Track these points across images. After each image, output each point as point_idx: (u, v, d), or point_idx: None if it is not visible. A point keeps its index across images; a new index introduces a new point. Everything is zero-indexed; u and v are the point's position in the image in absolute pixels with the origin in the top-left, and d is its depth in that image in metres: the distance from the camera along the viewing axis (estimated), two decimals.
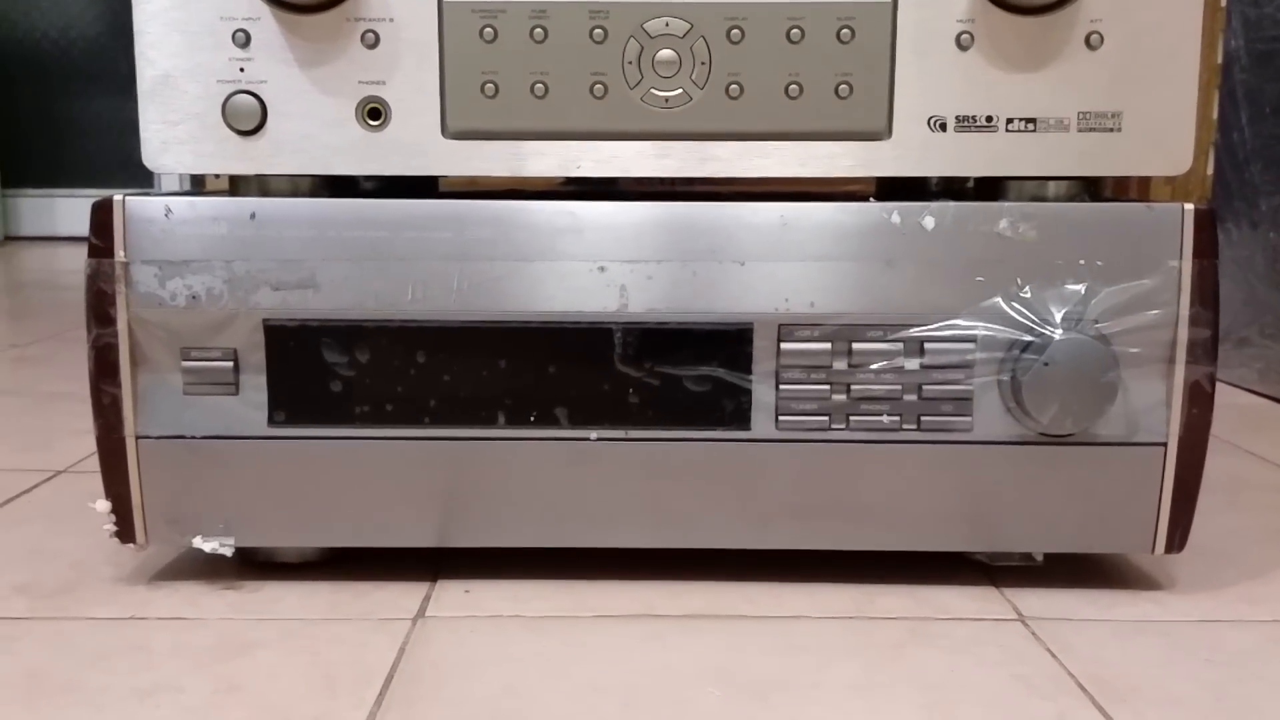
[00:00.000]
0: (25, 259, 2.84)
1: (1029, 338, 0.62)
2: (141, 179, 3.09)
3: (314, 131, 0.63)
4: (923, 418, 0.63)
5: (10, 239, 3.31)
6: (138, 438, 0.63)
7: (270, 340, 0.63)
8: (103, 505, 0.63)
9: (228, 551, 0.64)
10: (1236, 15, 1.33)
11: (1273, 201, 1.27)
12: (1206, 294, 0.62)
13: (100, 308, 0.62)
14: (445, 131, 0.63)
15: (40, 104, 3.31)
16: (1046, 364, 0.61)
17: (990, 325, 0.62)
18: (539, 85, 0.62)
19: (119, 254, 0.62)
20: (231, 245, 0.62)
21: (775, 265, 0.63)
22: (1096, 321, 0.62)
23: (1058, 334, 0.61)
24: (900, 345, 0.63)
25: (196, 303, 0.62)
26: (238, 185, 0.65)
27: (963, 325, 0.63)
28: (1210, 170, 1.38)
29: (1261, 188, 1.29)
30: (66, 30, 3.25)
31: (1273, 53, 1.27)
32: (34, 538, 0.74)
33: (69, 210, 3.29)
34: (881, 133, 0.63)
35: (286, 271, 0.62)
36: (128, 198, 0.62)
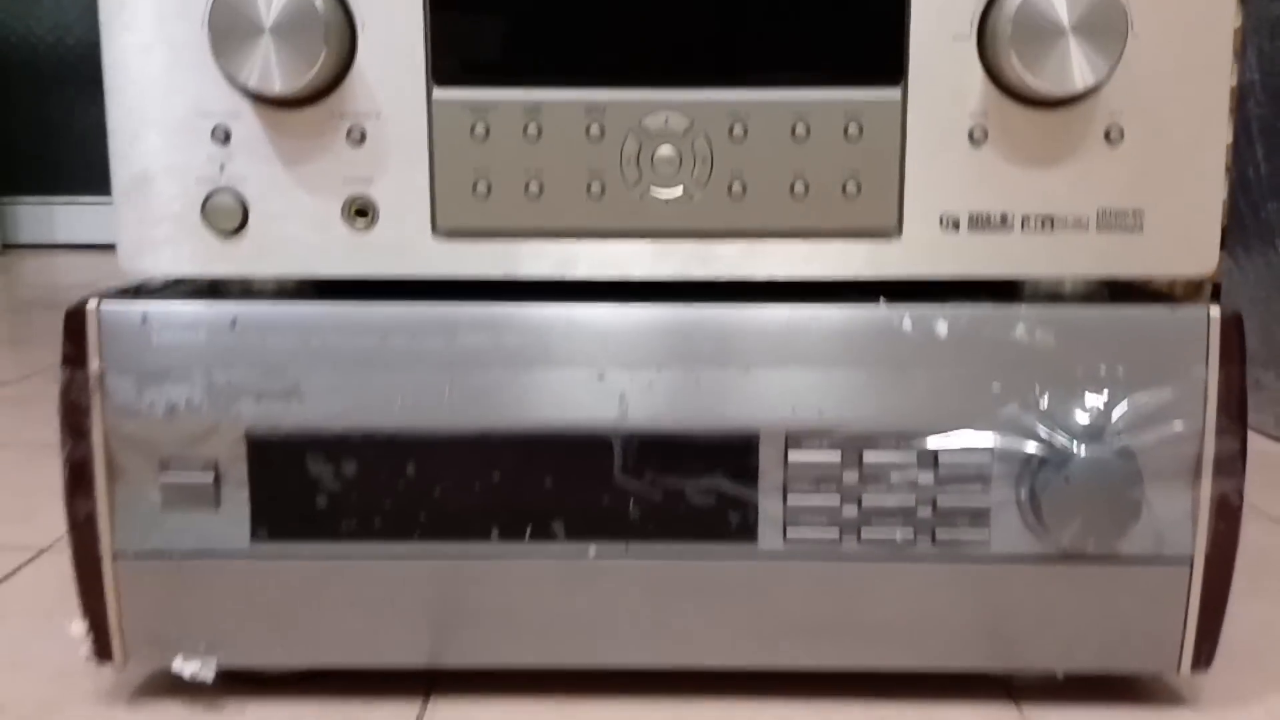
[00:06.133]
0: (24, 270, 2.81)
1: (1048, 451, 0.59)
2: None
3: (298, 232, 0.60)
4: (937, 531, 0.60)
5: (9, 247, 3.29)
6: (115, 555, 0.61)
7: (252, 453, 0.60)
8: (78, 629, 0.61)
9: (208, 676, 0.61)
10: (1252, 47, 1.30)
11: None
12: (1234, 403, 0.59)
13: (74, 420, 0.59)
14: (436, 231, 0.60)
15: (37, 109, 3.28)
16: (1067, 480, 0.58)
17: (1008, 436, 0.60)
18: (533, 184, 0.59)
19: (93, 364, 0.59)
20: (211, 354, 0.59)
21: (781, 372, 0.60)
22: (1119, 434, 0.59)
23: (1078, 448, 0.58)
24: (913, 456, 0.60)
25: (175, 414, 0.60)
26: (218, 284, 0.63)
27: (979, 436, 0.60)
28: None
29: (1279, 226, 1.26)
30: (63, 34, 3.22)
31: None
32: (14, 641, 0.71)
33: (68, 218, 3.26)
34: (891, 231, 0.60)
35: (269, 381, 0.59)
36: (102, 304, 0.59)
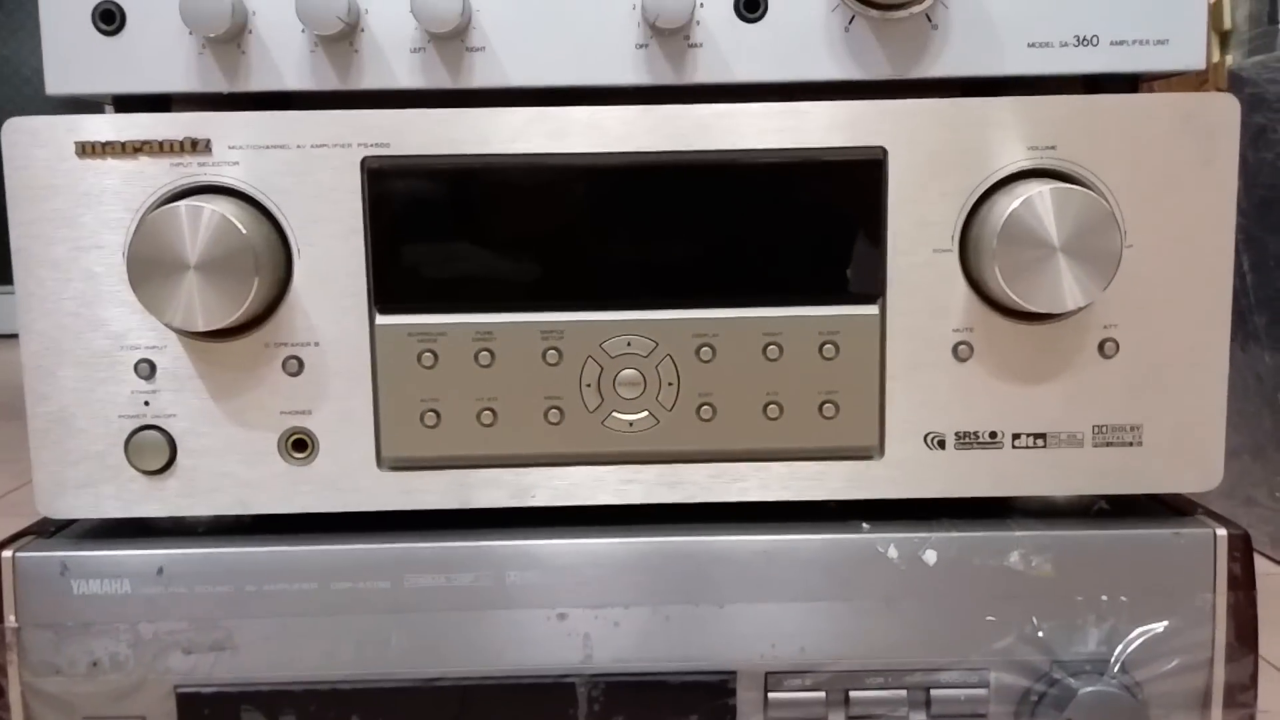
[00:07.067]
0: None
1: (1048, 686, 0.55)
2: None
3: (231, 468, 0.55)
4: None
5: None
6: None
7: (183, 709, 0.55)
8: None
9: None
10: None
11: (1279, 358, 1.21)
12: (1244, 629, 0.55)
13: None
14: (380, 463, 0.56)
15: None
16: (1070, 719, 0.54)
17: (1004, 671, 0.55)
18: (486, 413, 0.55)
19: (9, 619, 0.54)
20: (136, 605, 0.54)
21: (758, 606, 0.55)
22: (1122, 669, 0.55)
23: (1079, 686, 0.54)
24: (904, 693, 0.55)
25: (98, 669, 0.55)
26: (146, 521, 0.58)
27: (973, 670, 0.55)
28: None
29: (1268, 342, 1.23)
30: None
31: (1274, 201, 1.21)
32: None
33: None
34: (872, 451, 0.56)
35: (199, 632, 0.55)
36: (17, 554, 0.54)
